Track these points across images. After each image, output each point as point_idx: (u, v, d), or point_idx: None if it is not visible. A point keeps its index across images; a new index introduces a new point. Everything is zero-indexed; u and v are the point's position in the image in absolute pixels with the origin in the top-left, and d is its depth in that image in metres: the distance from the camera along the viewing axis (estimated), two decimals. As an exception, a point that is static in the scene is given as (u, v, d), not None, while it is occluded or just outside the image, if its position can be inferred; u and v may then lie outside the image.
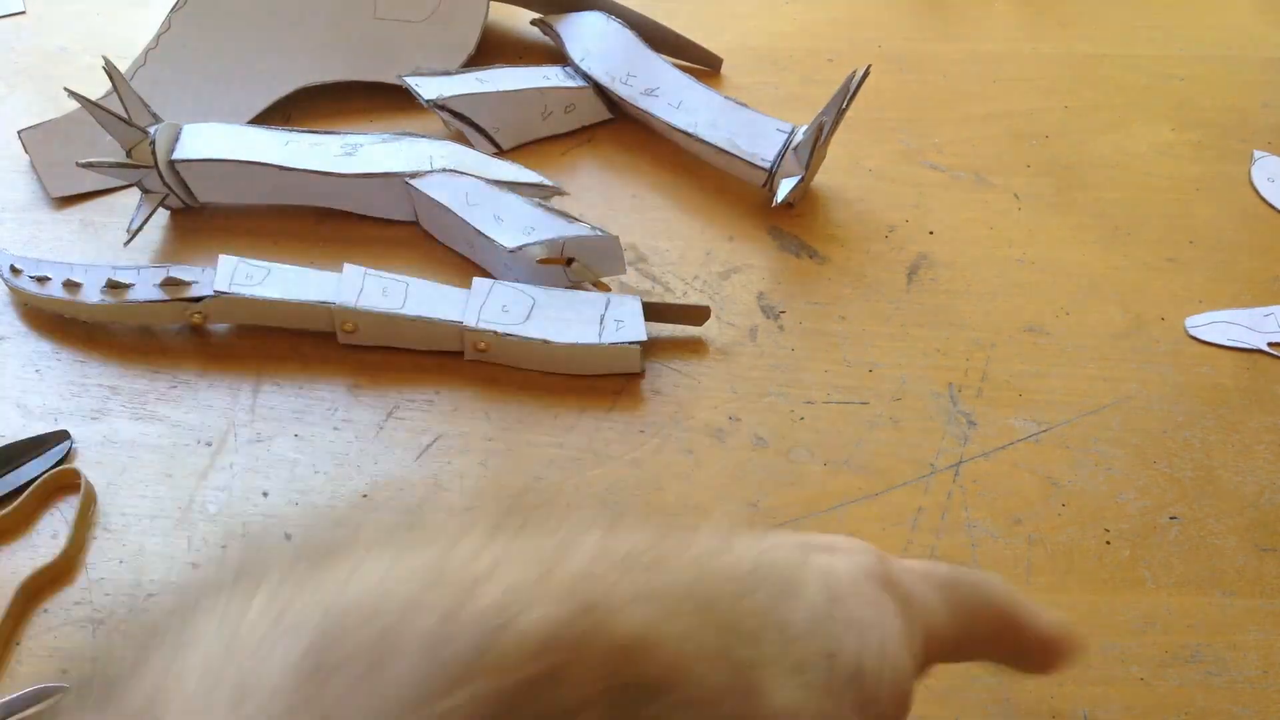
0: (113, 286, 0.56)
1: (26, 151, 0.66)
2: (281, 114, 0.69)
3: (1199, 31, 0.79)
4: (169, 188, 0.61)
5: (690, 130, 0.65)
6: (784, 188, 0.63)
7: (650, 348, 0.57)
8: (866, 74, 0.62)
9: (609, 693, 0.22)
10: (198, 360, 0.57)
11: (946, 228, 0.65)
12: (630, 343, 0.55)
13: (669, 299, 0.60)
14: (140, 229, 0.61)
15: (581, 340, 0.55)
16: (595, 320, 0.56)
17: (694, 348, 0.58)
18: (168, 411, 0.55)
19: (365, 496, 0.52)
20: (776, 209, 0.64)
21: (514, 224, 0.59)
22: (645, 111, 0.67)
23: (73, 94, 0.59)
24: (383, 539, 0.24)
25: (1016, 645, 0.34)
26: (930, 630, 0.31)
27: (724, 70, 0.74)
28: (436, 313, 0.56)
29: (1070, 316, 0.60)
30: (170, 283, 0.56)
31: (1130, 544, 0.50)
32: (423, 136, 0.64)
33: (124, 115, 0.60)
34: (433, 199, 0.60)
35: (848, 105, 0.62)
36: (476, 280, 0.57)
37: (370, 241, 0.63)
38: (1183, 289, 0.62)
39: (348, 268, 0.57)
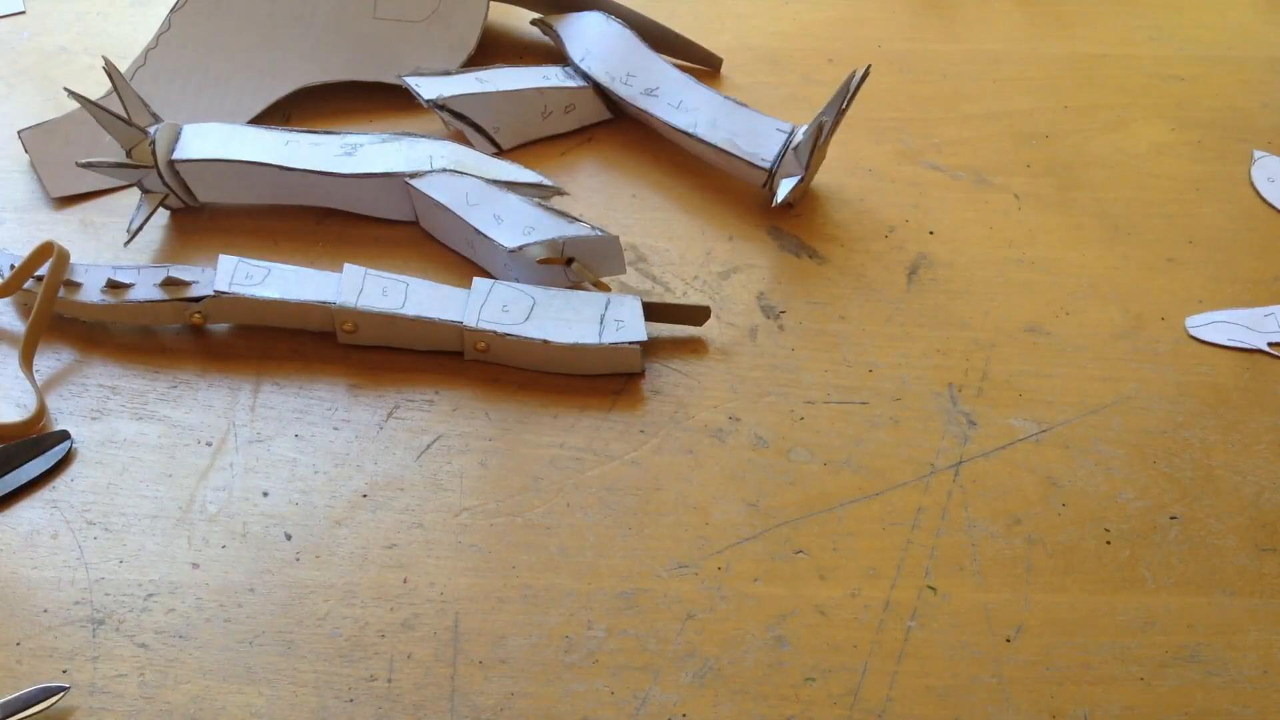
0: (113, 286, 0.56)
1: (26, 151, 0.66)
2: (281, 114, 0.69)
3: (1199, 31, 0.79)
4: (169, 188, 0.61)
5: (690, 130, 0.65)
6: (784, 188, 0.63)
7: (650, 348, 0.57)
8: (866, 74, 0.62)
9: None
10: (198, 360, 0.57)
11: (946, 228, 0.65)
12: (630, 343, 0.55)
13: (669, 299, 0.60)
14: (140, 229, 0.61)
15: (581, 340, 0.55)
16: (595, 320, 0.56)
17: (694, 348, 0.58)
18: (168, 411, 0.55)
19: (365, 496, 0.52)
20: (776, 209, 0.64)
21: (514, 224, 0.59)
22: (645, 111, 0.67)
23: (73, 94, 0.59)
24: None
25: None
26: None
27: (724, 70, 0.74)
28: (436, 313, 0.56)
29: (1070, 316, 0.60)
30: (170, 283, 0.56)
31: (1130, 544, 0.50)
32: (423, 136, 0.64)
33: (124, 115, 0.60)
34: (433, 199, 0.60)
35: (848, 105, 0.62)
36: (476, 280, 0.57)
37: (370, 241, 0.63)
38: (1183, 289, 0.62)
39: (348, 268, 0.57)
